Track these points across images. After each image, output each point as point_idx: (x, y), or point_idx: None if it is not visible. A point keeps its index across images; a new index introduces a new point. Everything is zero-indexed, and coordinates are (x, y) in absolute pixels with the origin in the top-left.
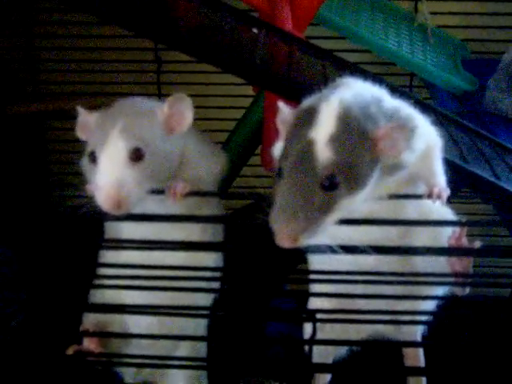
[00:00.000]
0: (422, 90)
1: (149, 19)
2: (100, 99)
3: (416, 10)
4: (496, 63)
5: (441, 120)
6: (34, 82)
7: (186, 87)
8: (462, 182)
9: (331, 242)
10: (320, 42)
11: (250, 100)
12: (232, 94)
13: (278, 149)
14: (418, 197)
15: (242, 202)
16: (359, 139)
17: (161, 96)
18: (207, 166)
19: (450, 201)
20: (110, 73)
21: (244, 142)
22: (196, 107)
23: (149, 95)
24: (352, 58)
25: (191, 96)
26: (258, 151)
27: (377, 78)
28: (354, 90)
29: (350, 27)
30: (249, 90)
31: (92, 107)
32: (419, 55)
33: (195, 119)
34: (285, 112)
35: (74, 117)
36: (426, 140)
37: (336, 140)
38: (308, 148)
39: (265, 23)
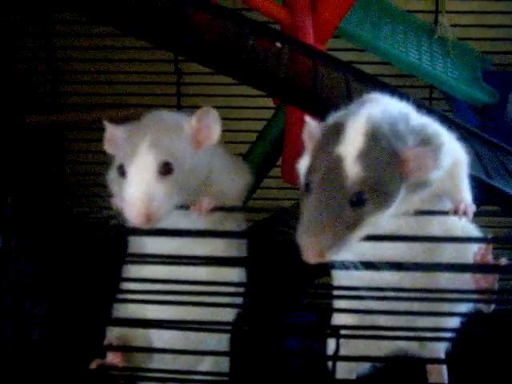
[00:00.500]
0: (441, 102)
1: (171, 32)
2: (120, 111)
3: (436, 22)
4: None
5: (464, 134)
6: (54, 93)
7: (206, 99)
8: (486, 198)
9: (355, 257)
10: (340, 54)
11: (271, 112)
12: (252, 105)
13: (303, 163)
14: (444, 213)
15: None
16: (388, 157)
17: (180, 108)
18: (233, 180)
19: (476, 217)
20: (130, 84)
21: (264, 154)
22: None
23: (169, 107)
24: (371, 70)
25: (210, 96)
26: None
27: (401, 93)
28: (382, 106)
29: (369, 40)
30: (269, 102)
31: (113, 119)
32: (439, 68)
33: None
34: (311, 126)
35: (92, 128)
36: (453, 156)
37: (365, 156)
38: (337, 164)
39: (288, 37)
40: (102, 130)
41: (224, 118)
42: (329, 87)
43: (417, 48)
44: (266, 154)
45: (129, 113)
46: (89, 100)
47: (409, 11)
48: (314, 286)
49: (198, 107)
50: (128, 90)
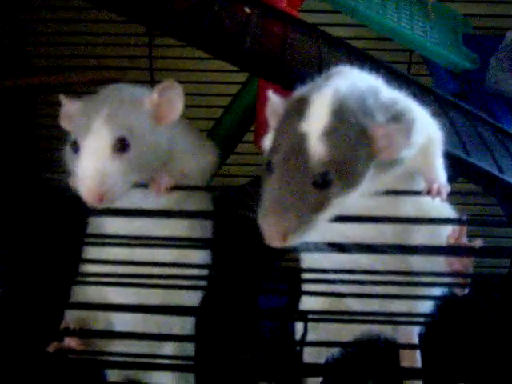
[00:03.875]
0: (421, 66)
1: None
2: (90, 73)
3: None
4: (500, 40)
5: (441, 104)
6: (22, 55)
7: (180, 73)
8: (464, 176)
9: (323, 238)
10: (314, 16)
11: None
12: (228, 80)
13: (267, 140)
14: (417, 193)
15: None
16: (355, 134)
17: (153, 70)
18: (196, 159)
19: (451, 197)
20: (101, 46)
21: (235, 122)
22: (188, 94)
23: (140, 69)
24: (349, 32)
25: (184, 82)
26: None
27: (374, 60)
28: (350, 80)
29: (347, 2)
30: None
31: (81, 82)
32: (418, 31)
33: (189, 106)
34: (275, 102)
35: (62, 92)
36: (425, 133)
37: (330, 134)
38: (300, 142)
39: (258, 1)
40: (74, 93)
41: (197, 94)
42: (299, 57)
43: (395, 10)
44: (238, 121)
45: (99, 75)
46: (59, 62)
47: None
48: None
49: (170, 70)
50: (99, 53)
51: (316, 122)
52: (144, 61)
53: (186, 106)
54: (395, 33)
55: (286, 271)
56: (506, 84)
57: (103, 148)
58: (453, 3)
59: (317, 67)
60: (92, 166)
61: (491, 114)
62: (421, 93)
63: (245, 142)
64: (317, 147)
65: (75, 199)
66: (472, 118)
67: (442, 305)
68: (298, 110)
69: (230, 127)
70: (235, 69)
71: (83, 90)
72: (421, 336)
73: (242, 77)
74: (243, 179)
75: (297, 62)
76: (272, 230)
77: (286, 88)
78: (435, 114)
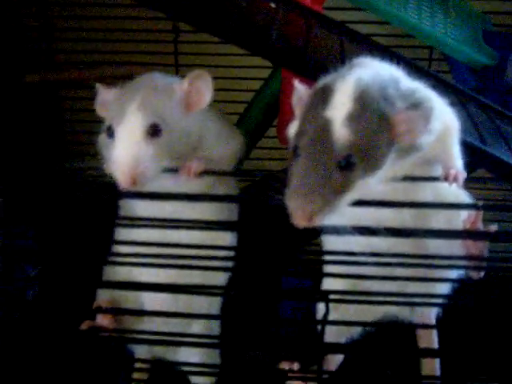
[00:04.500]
0: (441, 63)
1: None
2: (116, 69)
3: None
4: None
5: (459, 98)
6: (50, 50)
7: (204, 58)
8: (480, 164)
9: (344, 222)
10: (336, 13)
11: (269, 71)
12: (251, 64)
13: (292, 128)
14: (435, 179)
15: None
16: (377, 120)
17: (178, 67)
18: (224, 145)
19: (467, 184)
20: (127, 42)
21: (260, 115)
22: (214, 78)
23: (166, 65)
24: (370, 29)
25: (209, 67)
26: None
27: (395, 54)
28: (372, 70)
29: None
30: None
31: (108, 77)
32: (439, 28)
33: (214, 101)
34: (300, 91)
35: (89, 86)
36: (443, 122)
37: (353, 120)
38: (325, 127)
39: None
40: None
41: (223, 77)
42: (322, 49)
43: (416, 7)
44: (263, 114)
45: (126, 70)
46: (85, 57)
47: None
48: (309, 252)
49: (195, 66)
50: (125, 48)
51: (340, 108)
52: (170, 57)
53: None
54: (416, 29)
55: (310, 254)
56: None
57: (137, 133)
58: (473, 0)
59: (339, 59)
60: (126, 150)
61: (510, 109)
62: (439, 86)
63: (268, 137)
64: (341, 132)
65: (108, 184)
66: (489, 111)
67: (459, 289)
68: (323, 97)
69: (253, 121)
70: (260, 64)
71: (110, 84)
72: (438, 320)
73: (266, 72)
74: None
75: (320, 54)
76: (298, 211)
77: (308, 77)
78: (453, 105)
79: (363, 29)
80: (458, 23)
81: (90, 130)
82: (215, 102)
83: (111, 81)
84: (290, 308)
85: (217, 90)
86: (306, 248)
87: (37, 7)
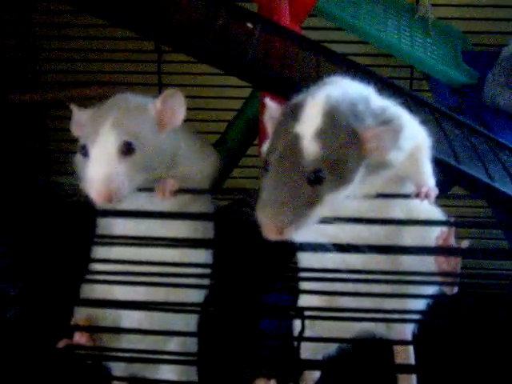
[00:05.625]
0: (422, 82)
1: (145, 15)
2: (100, 89)
3: (417, 1)
4: (497, 56)
5: (435, 115)
6: (35, 70)
7: (188, 77)
8: (454, 182)
9: (317, 240)
10: (318, 33)
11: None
12: (235, 95)
13: (265, 146)
14: (406, 196)
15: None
16: (346, 136)
17: (161, 86)
18: (198, 163)
19: (440, 200)
20: (111, 62)
21: (240, 134)
22: (196, 109)
23: (150, 85)
24: (352, 49)
25: (192, 97)
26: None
27: (372, 73)
28: (342, 88)
29: (348, 19)
30: None
31: (91, 97)
32: (419, 48)
33: (197, 120)
34: (272, 108)
35: (77, 106)
36: (414, 140)
37: (322, 135)
38: (294, 142)
39: (260, 17)
40: (84, 106)
41: (204, 97)
42: (298, 69)
43: (396, 27)
44: (244, 132)
45: (109, 91)
46: (70, 78)
47: None
48: (290, 268)
49: (178, 85)
50: (109, 69)
51: (309, 123)
52: (153, 76)
53: (194, 120)
54: (395, 49)
55: (290, 271)
56: (501, 98)
57: (110, 152)
58: (452, 21)
59: (315, 79)
60: (100, 168)
61: (488, 127)
62: (416, 104)
63: (249, 156)
64: (310, 146)
65: (85, 202)
66: (466, 129)
67: (434, 305)
68: (293, 114)
69: (235, 140)
70: (242, 84)
71: (93, 104)
72: (414, 336)
73: (248, 91)
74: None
75: (296, 74)
76: (269, 223)
77: (285, 98)
78: (427, 124)
79: (344, 48)
80: (437, 43)
81: (74, 149)
82: (197, 120)
83: (94, 101)
84: (273, 325)
85: (199, 108)
86: (287, 265)
87: (21, 28)
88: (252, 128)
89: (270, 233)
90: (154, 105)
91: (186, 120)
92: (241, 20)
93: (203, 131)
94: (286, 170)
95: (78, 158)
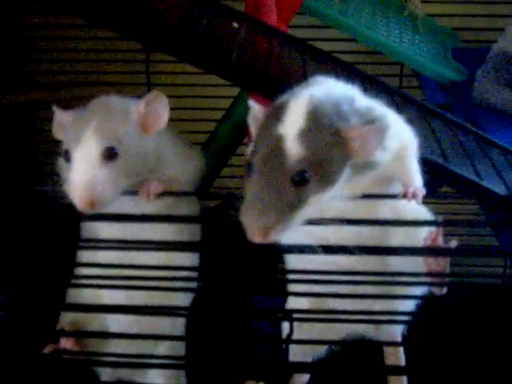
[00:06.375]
0: (412, 79)
1: (129, 15)
2: (88, 89)
3: None
4: (487, 53)
5: (423, 113)
6: (23, 72)
7: (177, 77)
8: (443, 181)
9: (304, 241)
10: (306, 31)
11: None
12: (224, 95)
13: (249, 148)
14: (393, 196)
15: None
16: (330, 136)
17: (150, 86)
18: (182, 166)
19: (428, 200)
20: (99, 62)
21: (229, 134)
22: (185, 108)
23: (138, 85)
24: (341, 47)
25: (180, 97)
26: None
27: (358, 71)
28: (325, 88)
29: (336, 17)
30: None
31: (79, 98)
32: (408, 45)
33: (185, 119)
34: (255, 110)
35: (62, 107)
36: (400, 140)
37: (306, 135)
38: (278, 143)
39: (246, 16)
40: (70, 107)
41: (193, 96)
42: (284, 69)
43: (385, 25)
44: (232, 132)
45: (96, 91)
46: (58, 79)
47: None
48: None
49: (167, 85)
50: (97, 69)
51: (292, 124)
52: (142, 76)
53: (183, 120)
54: (384, 46)
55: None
56: (491, 95)
57: (93, 157)
58: (441, 17)
59: (301, 78)
60: (82, 174)
61: (477, 124)
62: (403, 102)
63: (238, 155)
64: (293, 147)
65: (69, 206)
66: (454, 127)
67: (423, 306)
68: (276, 114)
69: (223, 140)
70: (230, 83)
71: (77, 105)
72: (404, 338)
73: (237, 91)
74: (237, 192)
75: (282, 73)
76: (253, 226)
77: (270, 98)
78: (415, 122)
79: (333, 46)
80: (426, 40)
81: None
82: (187, 120)
83: (82, 101)
84: (263, 327)
85: (188, 108)
86: (277, 266)
87: (9, 28)
88: (241, 127)
89: (254, 235)
90: (137, 108)
91: (175, 120)
92: (226, 19)
93: (192, 130)
94: (270, 171)
95: (62, 162)
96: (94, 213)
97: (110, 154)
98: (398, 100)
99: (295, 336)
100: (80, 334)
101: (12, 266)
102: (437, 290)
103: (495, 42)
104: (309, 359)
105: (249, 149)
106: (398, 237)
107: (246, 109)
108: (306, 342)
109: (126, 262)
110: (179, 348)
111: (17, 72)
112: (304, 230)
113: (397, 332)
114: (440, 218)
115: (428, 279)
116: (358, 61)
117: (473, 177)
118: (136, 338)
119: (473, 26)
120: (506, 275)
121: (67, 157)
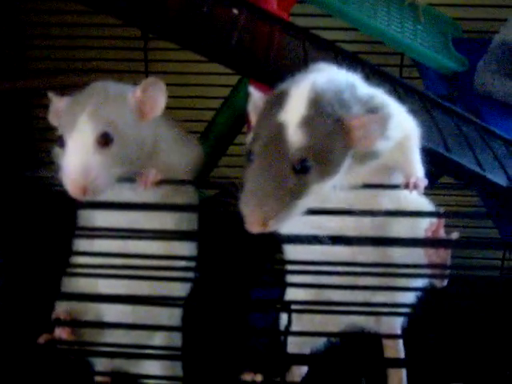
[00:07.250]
0: (412, 69)
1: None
2: (86, 76)
3: None
4: (489, 43)
5: (425, 104)
6: (20, 59)
7: (175, 64)
8: (444, 171)
9: (304, 231)
10: (306, 19)
11: None
12: (222, 83)
13: (249, 136)
14: (395, 187)
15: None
16: (332, 124)
17: (148, 73)
18: (179, 153)
19: (430, 191)
20: (97, 49)
21: (228, 122)
22: (183, 96)
23: (136, 72)
24: (341, 36)
25: (179, 85)
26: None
27: (360, 60)
28: (327, 76)
29: (337, 5)
30: None
31: (77, 85)
32: (409, 35)
33: (184, 108)
34: (255, 97)
35: (61, 94)
36: (402, 129)
37: (308, 123)
38: (279, 131)
39: (246, 3)
40: (66, 94)
41: (192, 84)
42: (284, 56)
43: (386, 14)
44: (231, 120)
45: (93, 78)
46: (56, 65)
47: None
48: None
49: (165, 73)
50: (96, 55)
51: (294, 112)
52: (140, 64)
53: (182, 108)
54: (385, 36)
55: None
56: (492, 86)
57: (87, 143)
58: (443, 7)
59: (302, 66)
60: (76, 160)
61: (479, 115)
62: (405, 92)
63: (237, 144)
64: (295, 135)
65: (65, 194)
66: (456, 118)
67: (424, 299)
68: (277, 102)
69: (222, 128)
70: (230, 71)
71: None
72: (404, 330)
73: (236, 79)
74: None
75: (282, 61)
76: (252, 216)
77: (270, 85)
78: (417, 112)
79: (334, 35)
80: (427, 29)
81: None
82: (185, 108)
83: (79, 89)
84: (262, 319)
85: (186, 96)
86: (275, 257)
87: (7, 15)
88: (240, 116)
89: (253, 225)
90: (133, 93)
91: (174, 108)
92: (226, 6)
93: (191, 119)
94: (271, 159)
95: (57, 149)
96: (87, 200)
97: (104, 140)
98: (400, 89)
99: (294, 327)
100: (75, 324)
101: (7, 254)
102: (437, 282)
103: (497, 32)
104: (307, 351)
105: (248, 137)
106: (399, 227)
107: (246, 97)
108: (304, 333)
109: (123, 250)
110: (175, 339)
111: (14, 59)
112: (303, 219)
113: (396, 324)
114: (441, 210)
115: (429, 271)
116: (357, 50)
117: (475, 167)
118: (132, 328)
119: (474, 16)
120: (503, 268)
121: (61, 143)
